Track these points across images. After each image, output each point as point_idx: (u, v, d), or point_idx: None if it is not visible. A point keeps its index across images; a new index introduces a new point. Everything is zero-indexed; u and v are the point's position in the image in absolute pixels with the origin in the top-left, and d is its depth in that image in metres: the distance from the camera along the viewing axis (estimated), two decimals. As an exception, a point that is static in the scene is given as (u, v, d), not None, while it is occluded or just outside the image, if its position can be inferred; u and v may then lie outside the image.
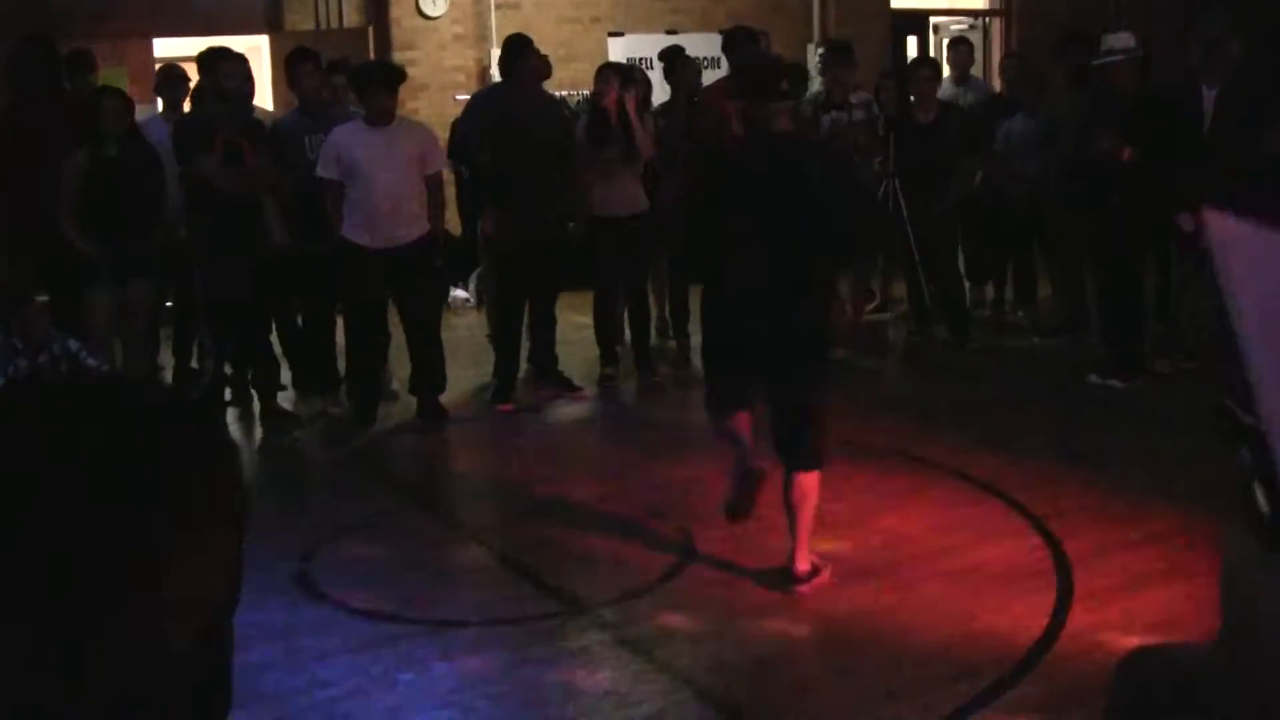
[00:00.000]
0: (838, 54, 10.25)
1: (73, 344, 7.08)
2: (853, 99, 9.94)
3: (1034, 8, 15.43)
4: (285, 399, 8.65)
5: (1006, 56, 11.54)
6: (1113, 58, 8.27)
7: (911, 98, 10.07)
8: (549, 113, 8.98)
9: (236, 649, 1.09)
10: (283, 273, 8.27)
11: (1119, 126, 8.15)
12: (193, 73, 8.86)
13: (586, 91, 12.24)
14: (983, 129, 9.97)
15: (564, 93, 12.04)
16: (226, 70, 8.12)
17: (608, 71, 8.98)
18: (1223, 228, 1.75)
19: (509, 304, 8.74)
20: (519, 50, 8.64)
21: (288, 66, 8.64)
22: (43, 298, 7.04)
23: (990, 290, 10.82)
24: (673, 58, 9.73)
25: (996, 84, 12.09)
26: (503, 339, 8.74)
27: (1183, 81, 8.81)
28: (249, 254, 7.92)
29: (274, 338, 8.55)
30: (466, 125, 8.99)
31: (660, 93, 9.99)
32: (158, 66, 10.37)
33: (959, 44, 11.63)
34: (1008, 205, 10.13)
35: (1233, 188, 7.90)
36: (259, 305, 8.22)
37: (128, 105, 7.91)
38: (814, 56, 11.99)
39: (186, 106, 9.16)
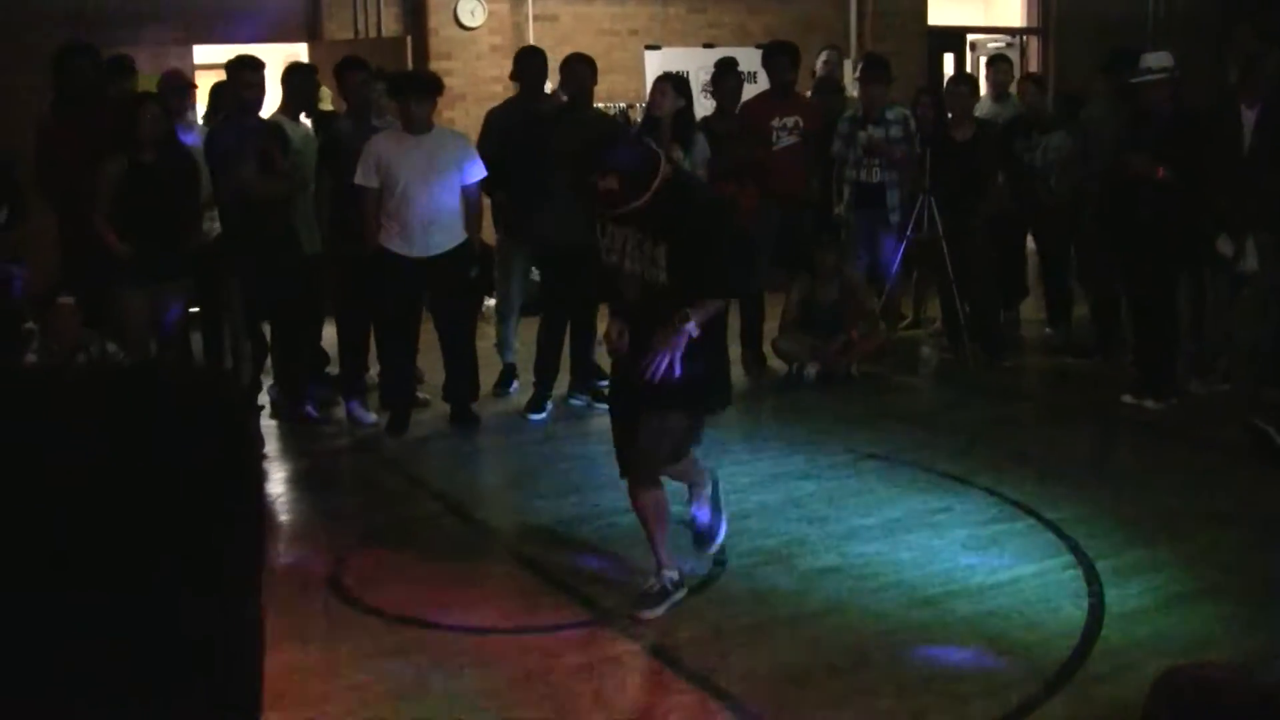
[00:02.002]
0: (872, 70, 10.23)
1: (110, 346, 7.16)
2: (889, 114, 9.93)
3: (1071, 26, 15.42)
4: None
5: (1024, 79, 11.46)
6: (1150, 76, 8.26)
7: (948, 114, 10.08)
8: (583, 123, 8.95)
9: (269, 650, 1.11)
10: (318, 278, 8.36)
11: (1153, 146, 8.13)
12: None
13: (623, 104, 12.33)
14: (1005, 147, 9.96)
15: (600, 105, 12.07)
16: (247, 80, 8.23)
17: (664, 83, 9.01)
18: None
19: (549, 314, 8.77)
20: (524, 63, 8.77)
21: (338, 75, 8.73)
22: (68, 299, 7.12)
23: (1020, 310, 10.77)
24: (724, 71, 9.77)
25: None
26: (543, 348, 8.76)
27: (1220, 100, 8.79)
28: (288, 257, 8.01)
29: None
30: (489, 145, 8.99)
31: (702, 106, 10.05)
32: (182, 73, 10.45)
33: (998, 61, 11.61)
34: (1043, 222, 10.13)
35: (1273, 208, 7.89)
36: (302, 308, 8.33)
37: (166, 112, 7.99)
38: (850, 73, 11.97)
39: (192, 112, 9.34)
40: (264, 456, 7.58)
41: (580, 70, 8.77)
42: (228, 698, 1.08)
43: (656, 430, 5.26)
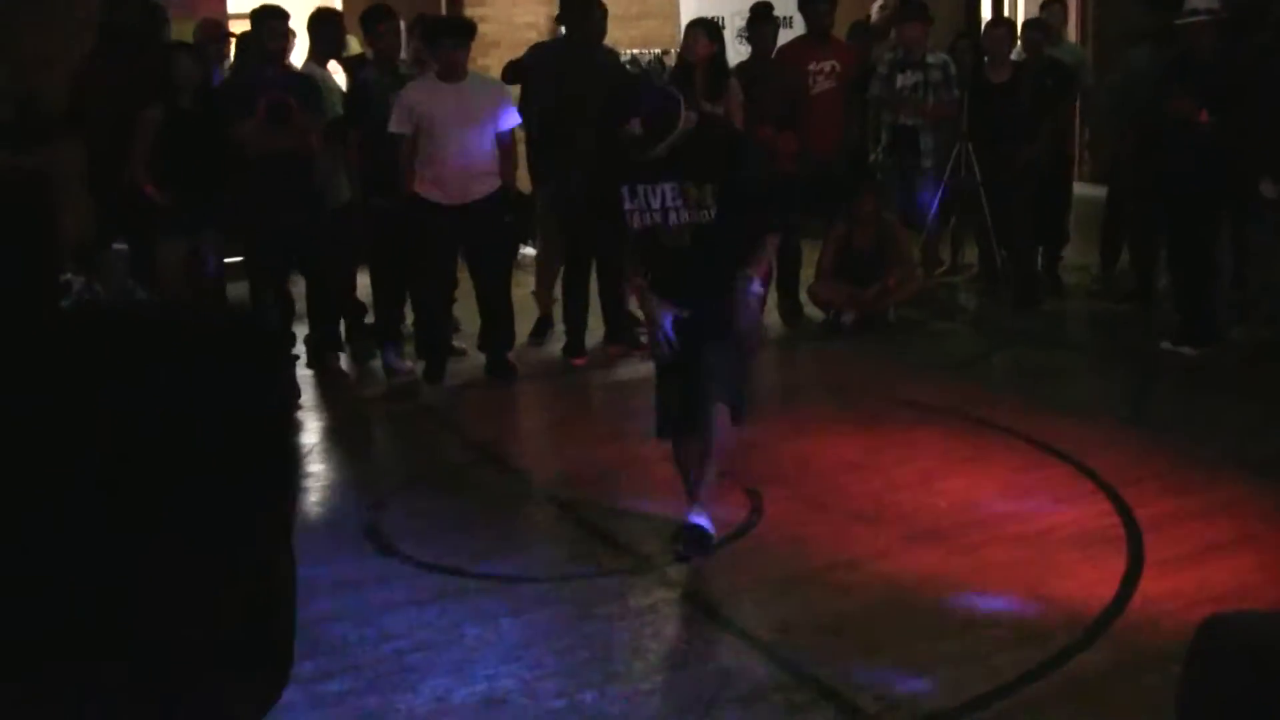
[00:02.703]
0: (909, 8, 10.13)
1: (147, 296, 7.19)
2: (930, 59, 9.82)
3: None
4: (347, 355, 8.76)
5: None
6: (1194, 18, 8.13)
7: (985, 58, 9.97)
8: (611, 73, 8.90)
9: (305, 599, 1.10)
10: (351, 228, 8.34)
11: (1196, 89, 8.02)
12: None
13: (657, 50, 12.22)
14: (1059, 90, 9.83)
15: (635, 50, 12.00)
16: (271, 29, 8.16)
17: (697, 28, 8.93)
18: None
19: (575, 261, 8.75)
20: (584, 9, 8.62)
21: (364, 24, 8.67)
22: (121, 246, 7.13)
23: (1064, 255, 10.60)
24: (760, 16, 9.67)
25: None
26: (571, 295, 8.75)
27: (1266, 42, 8.66)
28: (300, 213, 7.95)
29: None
30: (528, 87, 8.93)
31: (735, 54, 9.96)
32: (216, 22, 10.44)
33: (1052, 3, 11.34)
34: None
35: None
36: (327, 263, 8.30)
37: (199, 60, 7.97)
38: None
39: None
40: (298, 403, 7.61)
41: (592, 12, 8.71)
42: (263, 646, 1.07)
43: (734, 354, 5.33)
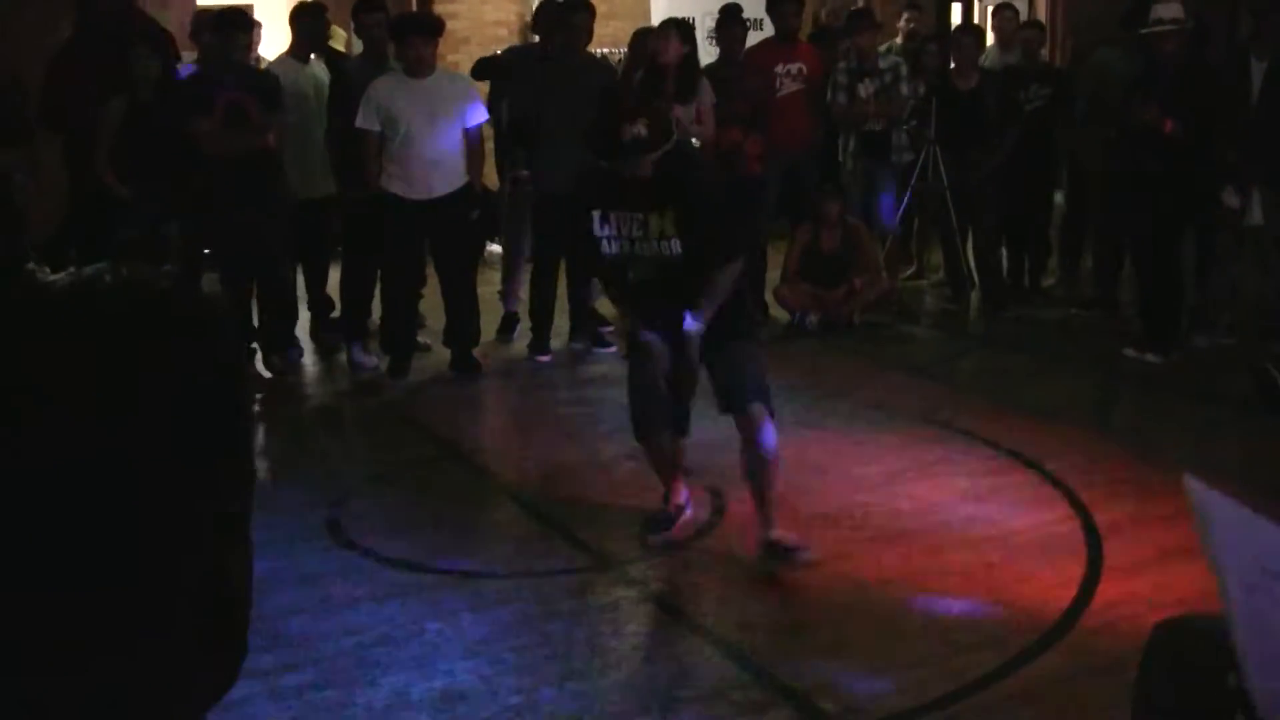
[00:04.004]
0: (858, 22, 10.23)
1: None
2: (881, 64, 9.87)
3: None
4: (312, 351, 8.72)
5: (1026, 25, 11.18)
6: (1160, 27, 8.18)
7: (952, 64, 10.02)
8: (591, 76, 8.88)
9: (265, 593, 1.11)
10: (317, 224, 8.33)
11: (1162, 97, 8.07)
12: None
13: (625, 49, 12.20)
14: (1010, 97, 9.85)
15: (604, 50, 11.99)
16: (238, 40, 8.11)
17: (668, 29, 8.90)
18: (1204, 499, 1.78)
19: (542, 259, 8.74)
20: (573, 9, 8.62)
21: (355, 15, 8.64)
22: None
23: (1027, 259, 10.62)
24: (729, 17, 9.67)
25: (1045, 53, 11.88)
26: (538, 292, 8.74)
27: (1231, 53, 8.72)
28: (256, 209, 7.92)
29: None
30: (508, 94, 8.90)
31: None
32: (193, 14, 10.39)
33: (1003, 9, 11.42)
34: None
35: (1278, 160, 7.84)
36: (274, 259, 8.25)
37: (156, 51, 7.95)
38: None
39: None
40: (253, 391, 7.58)
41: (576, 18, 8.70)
42: (216, 633, 1.08)
43: (750, 356, 5.34)
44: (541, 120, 8.45)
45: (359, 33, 8.72)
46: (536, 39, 9.35)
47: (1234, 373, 7.77)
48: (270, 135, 8.04)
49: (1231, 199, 8.16)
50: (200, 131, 7.79)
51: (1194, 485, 1.84)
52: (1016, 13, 11.49)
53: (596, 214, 5.20)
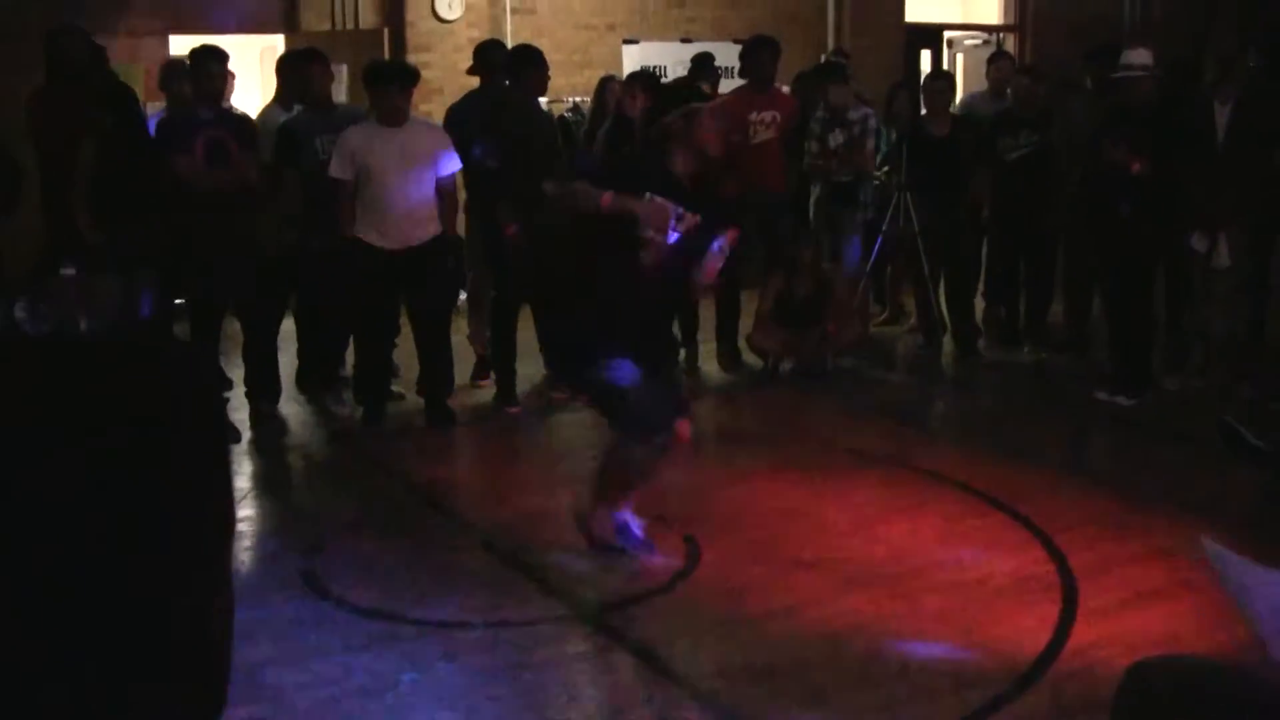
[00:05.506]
0: (828, 73, 10.32)
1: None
2: (851, 115, 9.90)
3: (1048, 24, 15.43)
4: (288, 399, 8.68)
5: (1020, 71, 11.30)
6: (1131, 73, 8.24)
7: (924, 110, 10.08)
8: (542, 120, 9.02)
9: (240, 643, 1.11)
10: (285, 273, 8.31)
11: (1132, 139, 8.14)
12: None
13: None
14: (988, 144, 9.89)
15: (578, 99, 12.06)
16: (210, 71, 8.11)
17: (633, 84, 9.08)
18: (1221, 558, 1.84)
19: (505, 306, 8.72)
20: (533, 60, 8.65)
21: (299, 67, 8.65)
22: (69, 271, 7.07)
23: (1002, 309, 10.59)
24: (701, 65, 9.77)
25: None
26: (499, 342, 8.73)
27: (1195, 96, 8.81)
28: (243, 254, 7.92)
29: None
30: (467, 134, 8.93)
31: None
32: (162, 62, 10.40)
33: (999, 59, 11.40)
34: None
35: (1244, 205, 7.92)
36: (258, 306, 8.24)
37: (113, 108, 7.97)
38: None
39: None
40: (231, 437, 7.55)
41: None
42: (194, 686, 1.09)
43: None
44: (501, 163, 8.46)
45: (302, 84, 8.66)
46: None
47: (1205, 414, 7.81)
48: (253, 172, 8.02)
49: (1199, 243, 8.23)
50: (182, 168, 7.78)
51: (1212, 546, 1.90)
52: (1013, 61, 11.55)
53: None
